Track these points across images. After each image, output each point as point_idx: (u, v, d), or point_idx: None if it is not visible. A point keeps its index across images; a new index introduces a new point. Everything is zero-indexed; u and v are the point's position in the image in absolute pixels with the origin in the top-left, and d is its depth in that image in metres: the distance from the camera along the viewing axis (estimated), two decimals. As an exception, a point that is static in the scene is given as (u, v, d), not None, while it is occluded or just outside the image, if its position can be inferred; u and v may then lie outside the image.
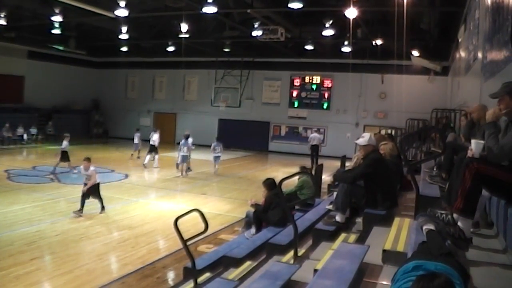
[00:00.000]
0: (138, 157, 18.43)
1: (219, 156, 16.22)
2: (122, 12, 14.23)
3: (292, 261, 4.39)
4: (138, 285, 5.99)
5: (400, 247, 3.44)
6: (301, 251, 4.73)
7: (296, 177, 8.00)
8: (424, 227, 2.75)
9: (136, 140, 18.87)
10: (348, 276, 3.01)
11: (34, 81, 24.42)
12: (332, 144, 23.03)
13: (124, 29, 18.91)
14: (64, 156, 14.40)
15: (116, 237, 8.14)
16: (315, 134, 19.67)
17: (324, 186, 11.20)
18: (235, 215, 9.98)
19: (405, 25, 12.03)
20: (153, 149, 16.55)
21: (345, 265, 3.23)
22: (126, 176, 14.61)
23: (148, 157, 16.55)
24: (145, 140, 18.09)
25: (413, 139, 11.70)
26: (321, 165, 11.29)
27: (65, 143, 14.47)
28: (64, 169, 14.44)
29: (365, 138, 5.42)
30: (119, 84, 28.95)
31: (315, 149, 18.94)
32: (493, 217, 3.21)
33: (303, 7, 12.86)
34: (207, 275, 5.17)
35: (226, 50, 22.30)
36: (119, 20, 16.98)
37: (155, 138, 16.64)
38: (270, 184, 7.26)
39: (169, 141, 22.19)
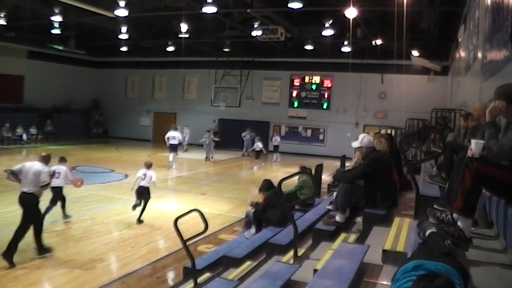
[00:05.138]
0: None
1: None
2: (121, 12, 14.23)
3: (292, 261, 4.39)
4: (138, 285, 5.98)
5: (400, 247, 3.44)
6: (301, 251, 4.72)
7: (296, 177, 8.01)
8: (428, 232, 2.74)
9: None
10: (348, 276, 3.01)
11: (33, 81, 24.41)
12: (332, 144, 23.05)
13: (123, 29, 18.93)
14: (258, 155, 20.21)
15: (116, 237, 8.14)
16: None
17: (324, 186, 11.21)
18: (235, 215, 9.97)
19: (405, 25, 12.04)
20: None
21: (345, 265, 3.23)
22: (126, 176, 14.59)
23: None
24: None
25: (413, 139, 11.70)
26: (321, 165, 11.27)
27: (258, 144, 20.25)
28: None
29: (358, 140, 5.41)
30: (119, 84, 28.94)
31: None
32: (493, 217, 3.20)
33: (302, 7, 12.87)
34: (207, 275, 5.16)
35: (226, 50, 22.30)
36: (118, 20, 17.00)
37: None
38: (265, 185, 7.27)
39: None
